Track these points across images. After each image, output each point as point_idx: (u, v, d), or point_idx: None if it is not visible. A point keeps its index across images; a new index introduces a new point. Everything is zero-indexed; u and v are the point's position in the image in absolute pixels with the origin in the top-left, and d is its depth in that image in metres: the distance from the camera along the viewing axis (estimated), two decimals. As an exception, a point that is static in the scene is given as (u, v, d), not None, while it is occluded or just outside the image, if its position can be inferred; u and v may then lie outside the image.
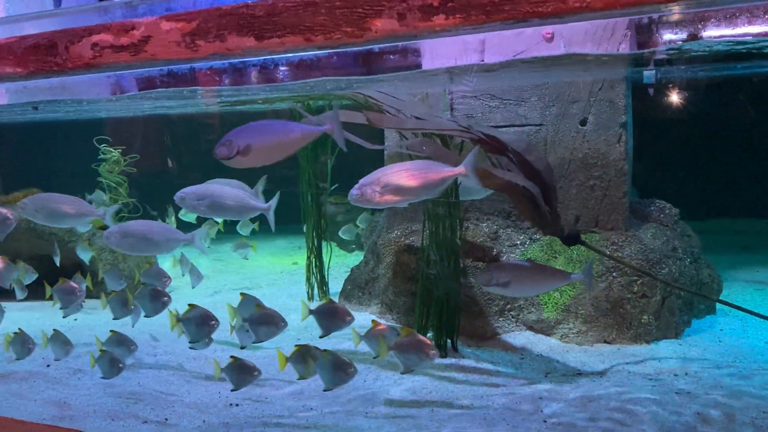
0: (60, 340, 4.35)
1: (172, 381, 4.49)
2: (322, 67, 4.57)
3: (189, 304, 4.01)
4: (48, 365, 4.80)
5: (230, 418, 3.83)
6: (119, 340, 4.21)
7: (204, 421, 3.81)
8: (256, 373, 3.78)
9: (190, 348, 4.23)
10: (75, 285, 4.58)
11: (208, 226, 6.29)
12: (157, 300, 4.19)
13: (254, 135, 3.13)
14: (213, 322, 3.95)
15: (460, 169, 3.39)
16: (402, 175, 3.39)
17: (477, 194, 4.56)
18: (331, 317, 3.80)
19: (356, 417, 3.80)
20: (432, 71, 4.71)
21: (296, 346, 3.66)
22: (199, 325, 3.96)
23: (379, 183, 3.37)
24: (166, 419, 3.85)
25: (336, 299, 6.40)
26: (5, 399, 4.23)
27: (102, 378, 4.14)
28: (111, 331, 4.28)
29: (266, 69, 4.73)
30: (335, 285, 6.68)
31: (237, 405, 4.03)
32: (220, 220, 6.43)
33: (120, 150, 7.54)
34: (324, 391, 3.66)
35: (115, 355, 4.08)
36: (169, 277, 4.56)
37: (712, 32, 3.85)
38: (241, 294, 4.24)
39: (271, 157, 3.19)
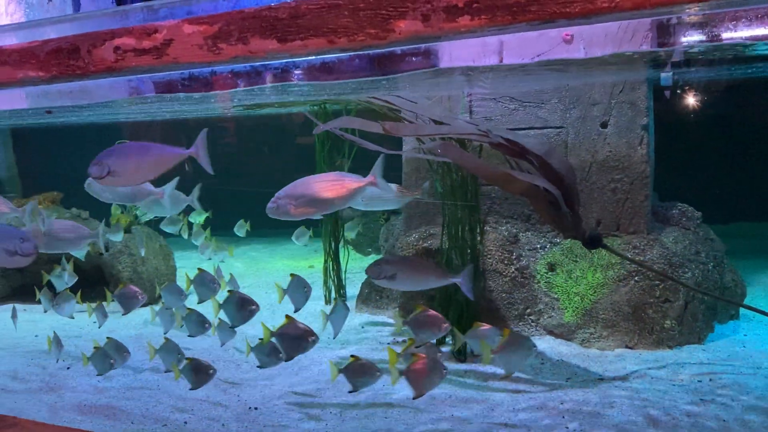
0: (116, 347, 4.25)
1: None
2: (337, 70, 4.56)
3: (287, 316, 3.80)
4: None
5: (249, 423, 3.82)
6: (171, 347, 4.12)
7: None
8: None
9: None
10: (135, 289, 4.58)
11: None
12: (244, 309, 4.00)
13: (123, 157, 3.31)
14: (312, 338, 3.73)
15: (369, 178, 3.56)
16: (314, 187, 3.54)
17: (391, 204, 4.66)
18: (360, 374, 3.68)
19: (375, 419, 3.77)
20: (449, 70, 4.68)
21: (351, 356, 3.63)
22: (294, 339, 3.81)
23: (293, 195, 3.50)
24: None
25: (353, 303, 6.38)
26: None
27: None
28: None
29: (283, 72, 4.73)
30: (352, 288, 6.66)
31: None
32: (200, 217, 6.37)
33: None
34: (350, 393, 3.65)
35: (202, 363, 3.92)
36: (219, 284, 4.47)
37: (735, 33, 3.79)
38: (291, 275, 4.11)
39: (140, 178, 3.40)
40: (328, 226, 6.67)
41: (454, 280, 3.85)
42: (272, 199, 3.58)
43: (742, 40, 4.03)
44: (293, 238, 6.73)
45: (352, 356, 3.61)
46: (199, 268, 4.23)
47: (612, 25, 4.00)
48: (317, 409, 3.98)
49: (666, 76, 5.96)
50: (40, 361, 5.04)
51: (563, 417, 3.73)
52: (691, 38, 3.98)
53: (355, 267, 7.78)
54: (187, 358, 3.85)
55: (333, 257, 6.66)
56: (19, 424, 3.53)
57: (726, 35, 3.81)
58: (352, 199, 3.58)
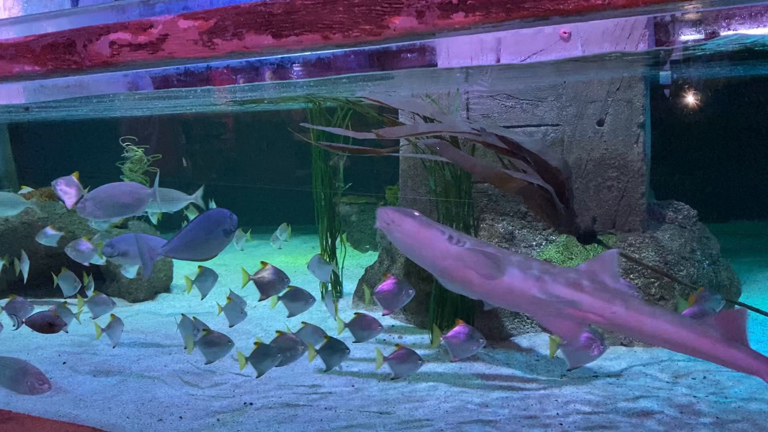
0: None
1: (186, 379, 4.50)
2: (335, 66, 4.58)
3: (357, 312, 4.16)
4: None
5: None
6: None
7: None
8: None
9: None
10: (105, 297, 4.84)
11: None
12: (300, 300, 4.25)
13: (99, 194, 3.84)
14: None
15: (151, 191, 3.95)
16: (113, 193, 3.87)
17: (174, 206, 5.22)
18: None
19: (372, 417, 3.79)
20: (448, 69, 4.69)
21: (397, 345, 3.84)
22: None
23: (94, 199, 3.81)
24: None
25: (350, 299, 6.40)
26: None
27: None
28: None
29: (280, 68, 4.74)
30: (349, 285, 6.67)
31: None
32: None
33: (143, 149, 7.59)
34: (392, 380, 3.92)
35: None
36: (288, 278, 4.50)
37: (731, 31, 3.80)
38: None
39: (113, 216, 4.00)
40: (325, 223, 6.68)
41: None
42: (80, 201, 3.92)
43: (738, 37, 4.04)
44: (271, 242, 6.68)
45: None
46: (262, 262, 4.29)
47: (609, 23, 4.01)
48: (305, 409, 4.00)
49: (664, 74, 5.97)
50: (39, 355, 5.05)
51: (557, 413, 3.74)
52: (688, 36, 3.99)
53: (352, 264, 7.79)
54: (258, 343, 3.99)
55: (330, 254, 6.67)
56: (14, 418, 3.54)
57: (725, 32, 3.83)
58: (139, 208, 4.02)
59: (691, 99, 7.94)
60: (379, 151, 4.20)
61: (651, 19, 4.07)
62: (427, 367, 4.56)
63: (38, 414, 3.87)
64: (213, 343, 4.09)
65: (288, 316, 4.30)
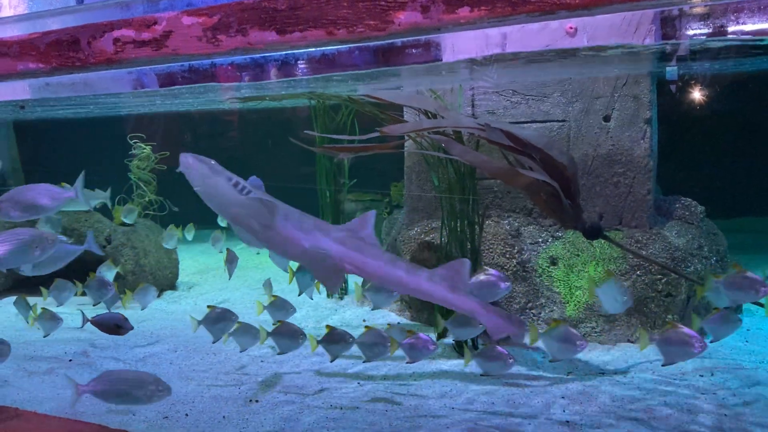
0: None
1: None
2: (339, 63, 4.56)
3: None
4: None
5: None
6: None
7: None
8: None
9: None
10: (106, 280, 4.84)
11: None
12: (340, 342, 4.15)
13: (15, 195, 3.82)
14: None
15: (71, 192, 3.94)
16: (28, 195, 3.85)
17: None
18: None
19: (378, 415, 3.78)
20: (452, 64, 4.67)
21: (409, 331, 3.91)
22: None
23: (11, 199, 3.83)
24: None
25: (353, 296, 6.39)
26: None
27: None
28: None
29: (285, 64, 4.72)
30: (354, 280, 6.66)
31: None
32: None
33: (151, 146, 7.61)
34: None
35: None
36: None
37: (739, 26, 3.76)
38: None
39: (28, 216, 3.90)
40: (330, 219, 6.67)
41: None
42: None
43: (746, 32, 4.00)
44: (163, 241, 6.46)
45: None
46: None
47: (615, 17, 3.98)
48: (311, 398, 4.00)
49: (670, 69, 5.93)
50: (45, 351, 5.07)
51: (563, 411, 3.73)
52: (696, 30, 3.95)
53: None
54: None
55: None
56: (22, 415, 3.55)
57: (732, 28, 3.78)
58: (56, 207, 4.00)
59: (698, 94, 7.89)
60: (386, 145, 4.16)
61: (657, 13, 4.03)
62: (433, 364, 4.55)
63: (45, 411, 3.87)
64: (287, 333, 4.09)
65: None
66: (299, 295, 4.57)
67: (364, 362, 4.24)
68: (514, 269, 5.15)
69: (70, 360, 4.89)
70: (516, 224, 5.38)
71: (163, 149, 7.81)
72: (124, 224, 6.86)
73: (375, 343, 3.99)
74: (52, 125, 10.65)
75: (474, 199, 4.92)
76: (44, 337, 4.86)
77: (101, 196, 5.99)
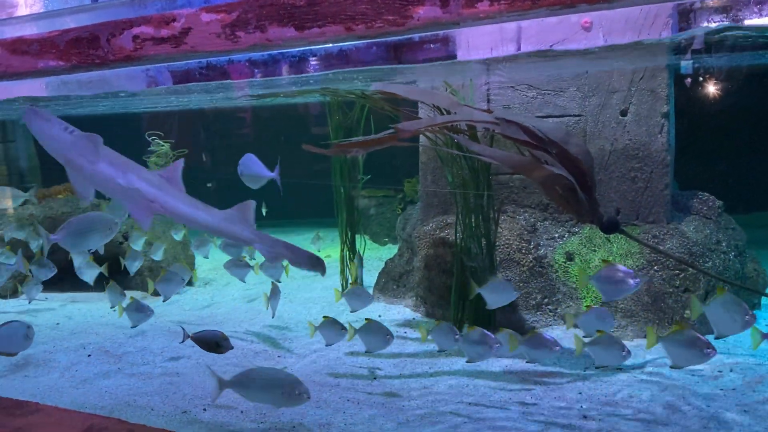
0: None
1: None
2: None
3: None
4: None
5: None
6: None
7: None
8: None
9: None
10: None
11: None
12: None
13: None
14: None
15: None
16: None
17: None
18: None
19: (392, 412, 3.78)
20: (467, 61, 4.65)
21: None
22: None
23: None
24: (205, 410, 3.88)
25: (370, 292, 6.39)
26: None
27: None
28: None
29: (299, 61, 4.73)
30: (369, 278, 6.67)
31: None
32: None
33: (169, 143, 7.66)
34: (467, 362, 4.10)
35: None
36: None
37: (762, 19, 3.72)
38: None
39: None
40: (344, 216, 6.68)
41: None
42: None
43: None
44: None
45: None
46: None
47: (633, 11, 3.95)
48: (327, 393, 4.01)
49: (687, 63, 5.87)
50: (63, 346, 5.12)
51: (581, 406, 3.72)
52: (714, 24, 3.91)
53: (372, 256, 7.80)
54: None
55: (349, 247, 6.67)
56: (42, 410, 3.59)
57: (750, 22, 3.74)
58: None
59: (715, 88, 7.81)
60: (394, 137, 4.13)
61: (675, 6, 3.99)
62: (450, 361, 4.55)
63: (64, 406, 3.91)
64: (373, 331, 4.16)
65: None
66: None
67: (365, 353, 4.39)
68: (531, 264, 5.13)
69: (89, 355, 4.93)
70: (532, 219, 5.36)
71: (177, 147, 7.85)
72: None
73: (376, 336, 4.11)
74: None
75: (489, 194, 4.91)
76: (132, 327, 5.01)
77: (23, 195, 6.13)
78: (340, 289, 6.55)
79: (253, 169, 4.68)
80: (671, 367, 3.59)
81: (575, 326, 4.22)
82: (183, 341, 4.01)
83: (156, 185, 3.42)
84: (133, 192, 3.36)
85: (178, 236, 6.57)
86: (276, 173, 4.65)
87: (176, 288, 5.14)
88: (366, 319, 4.24)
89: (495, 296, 4.23)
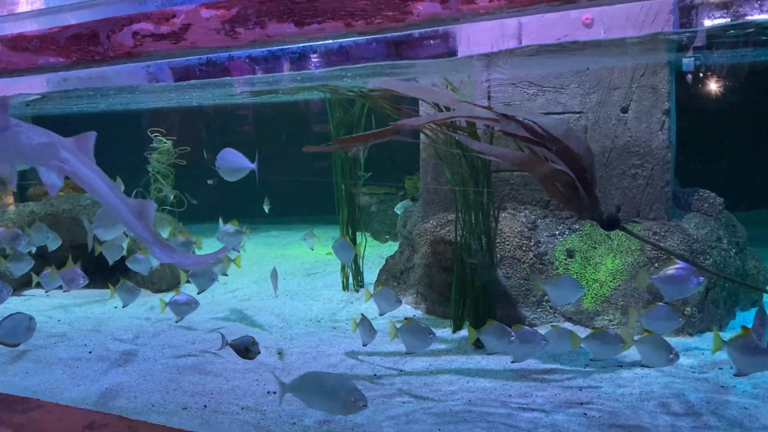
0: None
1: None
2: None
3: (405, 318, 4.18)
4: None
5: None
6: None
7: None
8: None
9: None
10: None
11: None
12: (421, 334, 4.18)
13: None
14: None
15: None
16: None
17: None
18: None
19: (396, 407, 3.79)
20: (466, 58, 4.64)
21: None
22: None
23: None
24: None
25: (371, 289, 6.39)
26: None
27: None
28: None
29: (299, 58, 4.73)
30: (370, 275, 6.67)
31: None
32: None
33: (172, 140, 7.67)
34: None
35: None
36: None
37: (763, 15, 3.71)
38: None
39: None
40: (345, 213, 6.68)
41: None
42: None
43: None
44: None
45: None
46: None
47: (634, 7, 3.94)
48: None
49: (688, 60, 5.86)
50: (66, 343, 5.13)
51: (581, 403, 3.72)
52: (716, 21, 3.90)
53: (373, 253, 7.80)
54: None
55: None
56: (43, 406, 3.59)
57: (752, 17, 3.73)
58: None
59: (716, 85, 7.79)
60: (389, 130, 4.11)
61: (677, 2, 3.98)
62: (450, 358, 4.55)
63: (66, 403, 3.92)
64: (414, 331, 4.10)
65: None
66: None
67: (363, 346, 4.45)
68: (531, 262, 5.13)
69: (90, 352, 4.94)
70: (533, 216, 5.36)
71: (178, 144, 7.85)
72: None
73: (418, 336, 4.06)
74: (71, 120, 10.74)
75: (489, 191, 4.91)
76: (123, 307, 5.20)
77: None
78: (351, 288, 6.57)
79: (232, 161, 4.68)
80: (735, 375, 3.53)
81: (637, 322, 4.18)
82: (221, 348, 4.16)
83: (68, 148, 3.38)
84: (45, 148, 3.32)
85: (165, 233, 6.57)
86: (255, 164, 4.66)
87: (210, 282, 5.22)
88: (405, 318, 4.17)
89: (560, 293, 4.18)
